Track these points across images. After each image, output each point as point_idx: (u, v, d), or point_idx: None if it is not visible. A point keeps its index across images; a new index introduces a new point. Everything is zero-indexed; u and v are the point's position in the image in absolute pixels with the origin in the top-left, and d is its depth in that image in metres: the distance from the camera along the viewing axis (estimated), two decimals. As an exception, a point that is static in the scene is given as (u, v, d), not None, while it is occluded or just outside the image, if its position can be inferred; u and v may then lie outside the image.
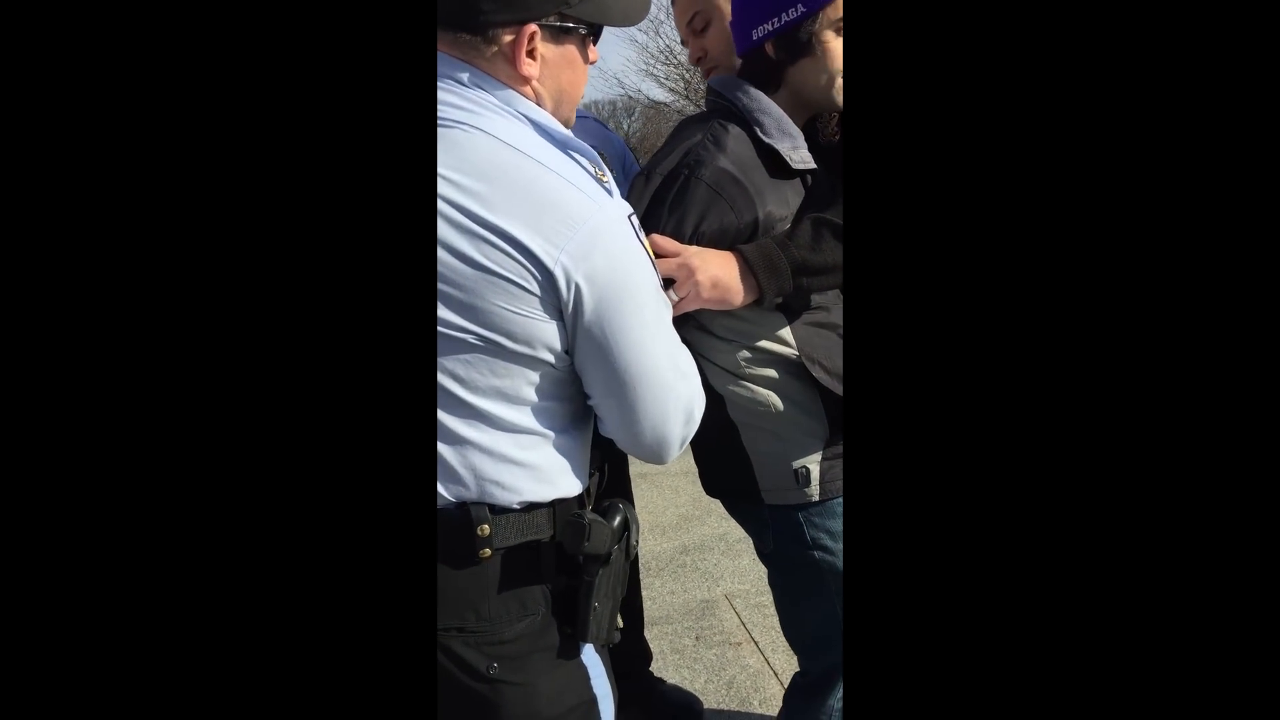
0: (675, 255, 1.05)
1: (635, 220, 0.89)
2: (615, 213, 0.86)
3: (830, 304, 1.20)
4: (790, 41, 1.15)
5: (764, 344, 1.16)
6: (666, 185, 1.10)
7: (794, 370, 1.16)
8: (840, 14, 1.13)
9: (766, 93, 1.18)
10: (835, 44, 1.15)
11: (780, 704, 1.99)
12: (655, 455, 0.96)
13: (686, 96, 15.17)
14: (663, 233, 1.08)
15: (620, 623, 1.02)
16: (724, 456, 1.22)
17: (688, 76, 14.29)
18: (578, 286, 0.82)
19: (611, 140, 1.69)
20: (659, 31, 15.15)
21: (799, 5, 1.13)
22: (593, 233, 0.82)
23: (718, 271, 1.05)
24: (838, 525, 1.18)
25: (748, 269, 1.07)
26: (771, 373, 1.16)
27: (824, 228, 1.09)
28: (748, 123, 1.15)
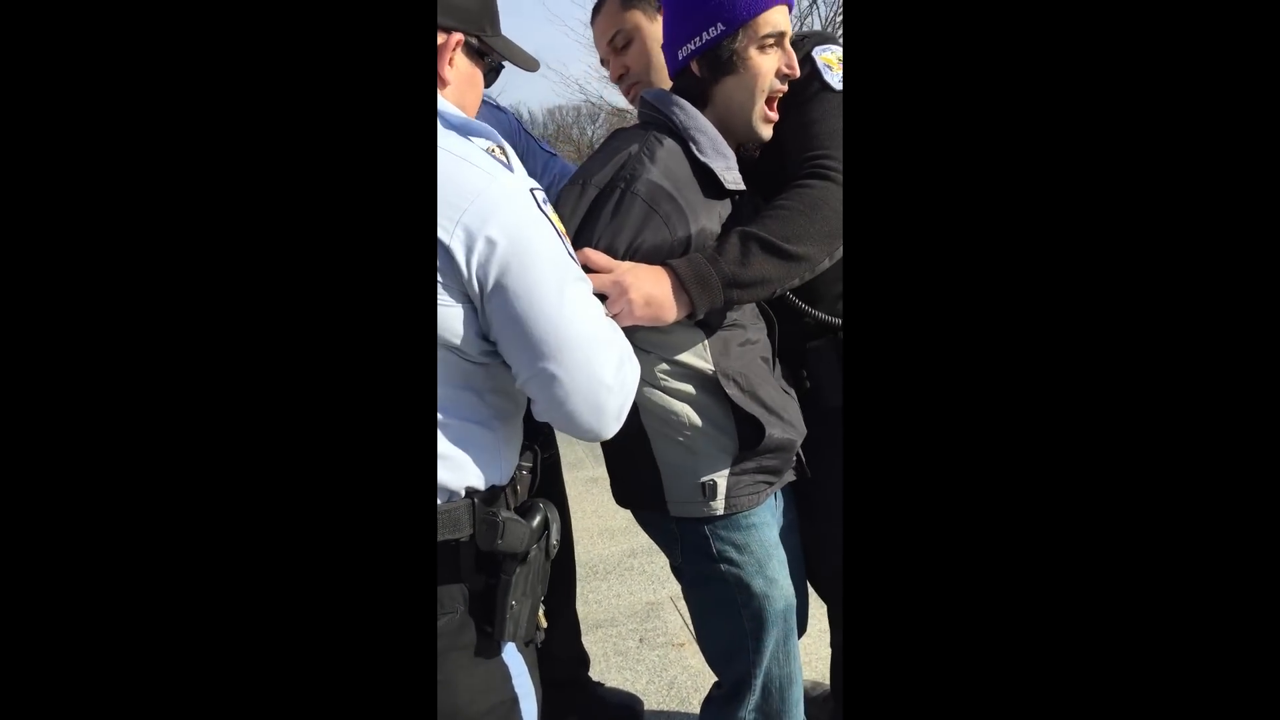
0: (608, 271, 1.06)
1: (540, 195, 0.89)
2: (512, 184, 0.86)
3: (747, 322, 1.22)
4: (713, 60, 1.18)
5: (681, 358, 1.17)
6: (602, 198, 1.11)
7: (709, 386, 1.17)
8: (764, 31, 1.16)
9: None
10: (759, 61, 1.17)
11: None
12: (592, 428, 0.93)
13: (648, 105, 15.13)
14: (596, 247, 1.08)
15: (544, 623, 1.02)
16: (634, 463, 1.23)
17: (650, 85, 14.25)
18: (478, 258, 0.82)
19: (500, 121, 1.68)
20: (622, 39, 15.11)
21: (718, 24, 1.16)
22: (489, 203, 0.82)
23: (651, 289, 1.06)
24: (743, 538, 1.20)
25: (680, 285, 1.07)
26: (688, 387, 1.17)
27: (752, 241, 1.09)
28: (683, 139, 1.16)
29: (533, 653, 1.03)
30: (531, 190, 0.89)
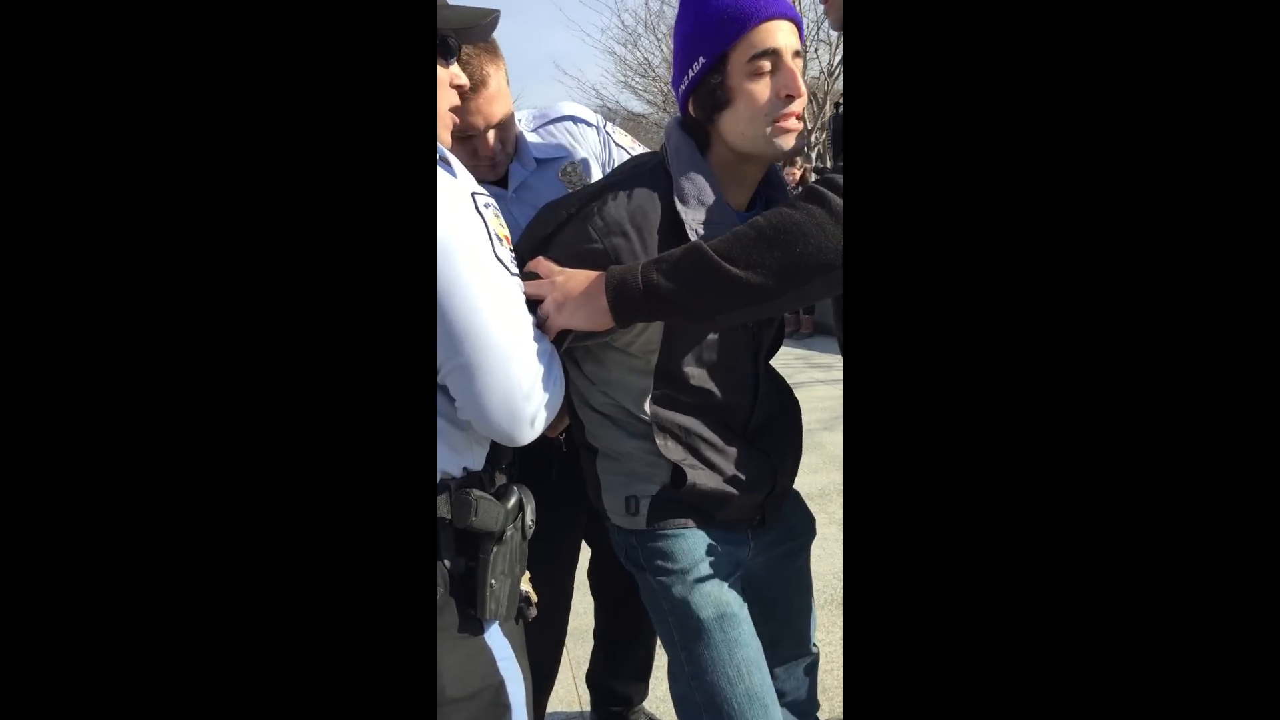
0: (549, 278, 1.04)
1: (480, 199, 0.92)
2: (450, 185, 0.89)
3: (718, 387, 1.15)
4: (703, 97, 1.08)
5: (619, 398, 1.14)
6: (564, 222, 1.09)
7: (644, 427, 1.14)
8: (750, 56, 1.04)
9: (704, 153, 1.12)
10: (753, 87, 1.05)
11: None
12: (506, 431, 0.95)
13: (664, 109, 15.29)
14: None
15: (533, 596, 1.04)
16: (585, 473, 1.24)
17: (665, 89, 14.41)
18: None
19: (575, 147, 1.60)
20: (636, 45, 15.30)
21: (700, 57, 1.07)
22: None
23: (573, 288, 1.02)
24: (668, 546, 1.17)
25: (602, 288, 1.02)
26: (626, 420, 1.16)
27: (692, 255, 1.00)
28: (672, 181, 1.10)
29: (520, 635, 1.04)
30: (473, 194, 0.91)
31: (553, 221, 1.10)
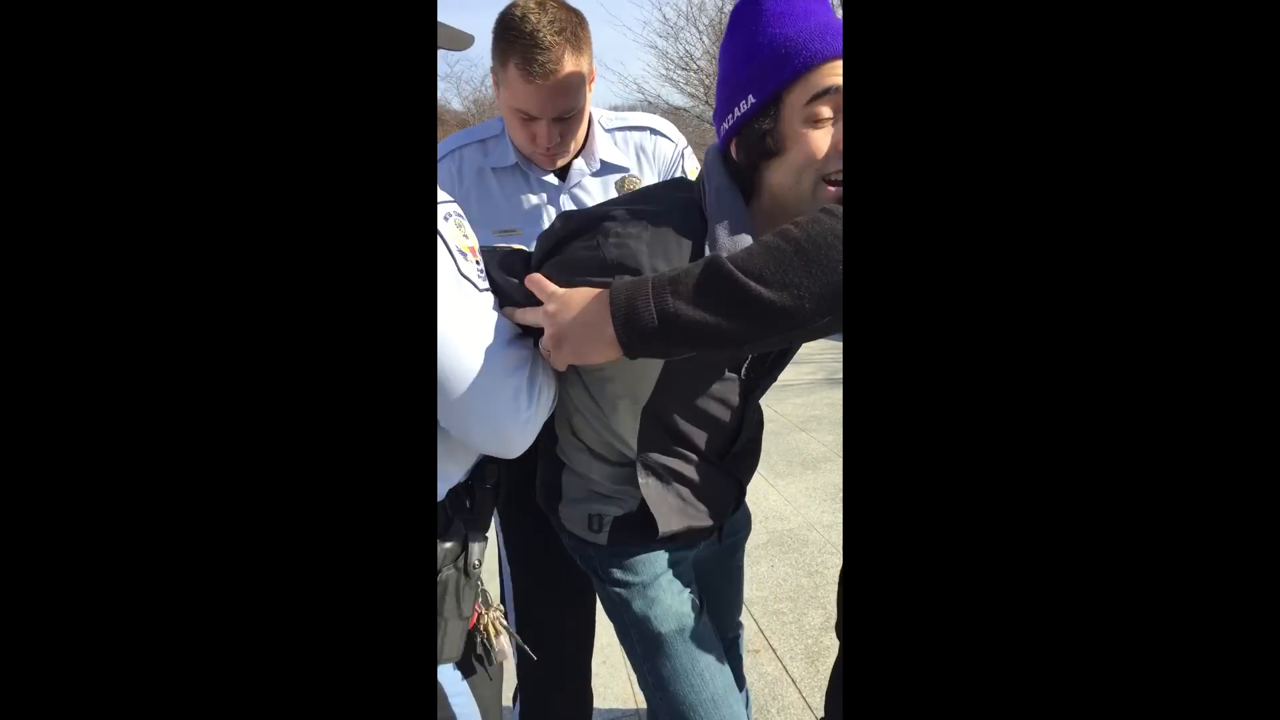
0: (548, 298, 0.90)
1: (440, 210, 0.88)
2: None
3: (706, 428, 1.09)
4: (749, 141, 0.93)
5: (604, 432, 1.09)
6: (575, 235, 0.96)
7: (627, 463, 1.09)
8: (812, 93, 0.88)
9: (747, 201, 0.98)
10: (809, 138, 0.90)
11: (796, 711, 2.01)
12: (493, 450, 0.94)
13: (706, 102, 15.14)
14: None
15: (507, 652, 1.01)
16: (543, 478, 1.21)
17: (707, 83, 14.30)
18: None
19: (644, 159, 1.55)
20: (678, 38, 15.16)
21: (749, 95, 0.92)
22: None
23: (574, 316, 0.88)
24: (628, 562, 1.14)
25: (608, 317, 0.85)
26: (603, 450, 1.11)
27: (715, 275, 0.83)
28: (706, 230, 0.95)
29: (485, 675, 1.01)
30: (444, 218, 0.87)
31: (562, 232, 0.97)
